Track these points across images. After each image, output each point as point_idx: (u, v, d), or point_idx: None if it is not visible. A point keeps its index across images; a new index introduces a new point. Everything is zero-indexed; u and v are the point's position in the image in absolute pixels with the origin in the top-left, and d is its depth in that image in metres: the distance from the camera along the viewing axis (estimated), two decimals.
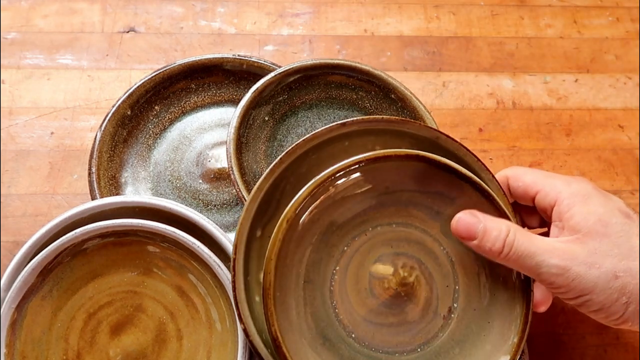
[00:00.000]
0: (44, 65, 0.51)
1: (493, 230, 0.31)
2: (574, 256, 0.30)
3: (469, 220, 0.32)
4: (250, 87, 0.43)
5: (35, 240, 0.36)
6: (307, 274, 0.34)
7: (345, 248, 0.35)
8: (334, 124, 0.34)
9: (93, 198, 0.42)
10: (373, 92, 0.47)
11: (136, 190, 0.45)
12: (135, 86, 0.46)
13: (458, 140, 0.35)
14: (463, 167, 0.34)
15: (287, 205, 0.32)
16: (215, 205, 0.45)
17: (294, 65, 0.44)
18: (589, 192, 0.32)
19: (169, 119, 0.48)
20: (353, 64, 0.45)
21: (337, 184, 0.33)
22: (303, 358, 0.32)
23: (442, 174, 0.34)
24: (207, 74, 0.48)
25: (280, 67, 0.45)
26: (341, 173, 0.33)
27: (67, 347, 0.37)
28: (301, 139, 0.34)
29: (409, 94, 0.45)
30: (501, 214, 0.33)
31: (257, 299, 0.34)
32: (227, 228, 0.45)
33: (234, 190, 0.45)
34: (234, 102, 0.49)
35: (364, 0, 0.56)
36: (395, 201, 0.36)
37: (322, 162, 0.35)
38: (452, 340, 0.36)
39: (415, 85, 0.52)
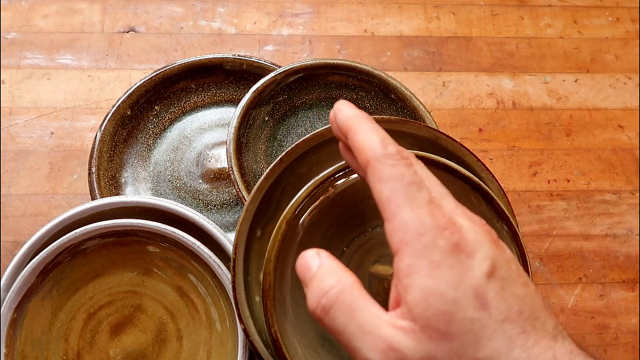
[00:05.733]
0: (44, 65, 0.51)
1: (318, 280, 0.23)
2: (401, 356, 0.21)
3: (308, 261, 0.24)
4: (250, 87, 0.43)
5: (35, 240, 0.36)
6: None
7: (345, 249, 0.35)
8: None
9: (93, 198, 0.42)
10: (373, 92, 0.47)
11: (136, 190, 0.45)
12: (135, 86, 0.46)
13: (458, 140, 0.35)
14: (463, 167, 0.34)
15: (287, 206, 0.32)
16: (215, 205, 0.45)
17: (294, 65, 0.44)
18: (445, 249, 0.21)
19: (169, 119, 0.48)
20: (353, 64, 0.45)
21: (337, 185, 0.33)
22: (303, 359, 0.32)
23: (442, 174, 0.34)
24: (207, 74, 0.48)
25: (280, 67, 0.45)
26: (341, 173, 0.33)
27: (67, 347, 0.37)
28: (301, 139, 0.34)
29: (409, 94, 0.45)
30: (501, 214, 0.33)
31: (257, 299, 0.34)
32: (227, 228, 0.45)
33: (234, 190, 0.45)
34: (234, 102, 0.49)
35: (364, 0, 0.56)
36: None
37: (322, 162, 0.35)
38: None
39: (415, 85, 0.52)
